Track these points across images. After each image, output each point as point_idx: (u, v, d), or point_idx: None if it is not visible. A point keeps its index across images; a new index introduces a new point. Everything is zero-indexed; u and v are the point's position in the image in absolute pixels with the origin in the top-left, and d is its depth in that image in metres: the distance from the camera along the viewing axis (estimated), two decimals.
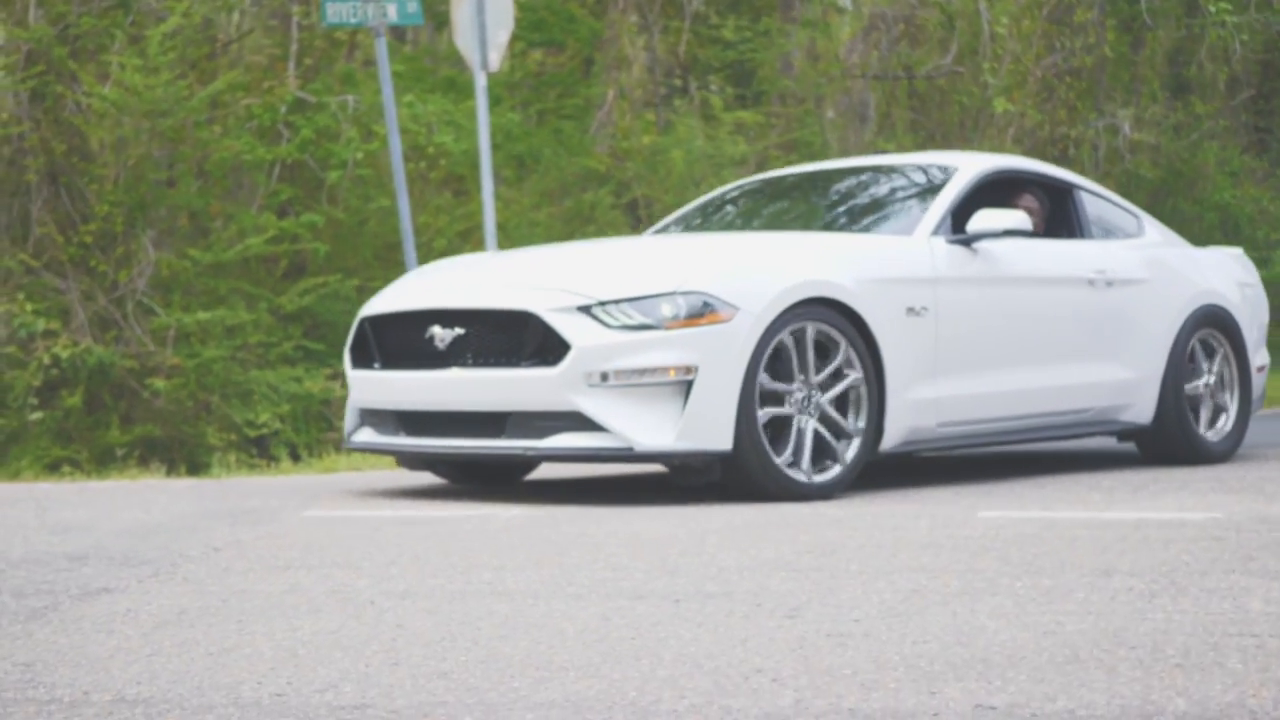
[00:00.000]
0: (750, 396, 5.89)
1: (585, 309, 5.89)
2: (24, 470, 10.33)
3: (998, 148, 21.01)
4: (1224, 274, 8.10)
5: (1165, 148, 21.59)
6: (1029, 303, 7.06)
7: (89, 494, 6.78)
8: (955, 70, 20.37)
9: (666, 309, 5.88)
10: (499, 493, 6.62)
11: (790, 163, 18.11)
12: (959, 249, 6.80)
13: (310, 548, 4.95)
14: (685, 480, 6.03)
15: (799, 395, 6.09)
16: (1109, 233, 7.81)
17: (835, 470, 6.16)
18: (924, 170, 7.43)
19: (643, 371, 5.81)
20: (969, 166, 7.30)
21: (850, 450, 6.21)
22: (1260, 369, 8.08)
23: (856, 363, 6.20)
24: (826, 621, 3.69)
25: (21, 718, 3.00)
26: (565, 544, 4.97)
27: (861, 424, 6.24)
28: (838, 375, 6.20)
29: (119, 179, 12.26)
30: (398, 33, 18.36)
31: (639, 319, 5.87)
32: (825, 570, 4.37)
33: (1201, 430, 7.71)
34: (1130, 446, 8.16)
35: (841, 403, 6.22)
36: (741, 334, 5.89)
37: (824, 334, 6.14)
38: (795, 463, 6.07)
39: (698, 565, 4.49)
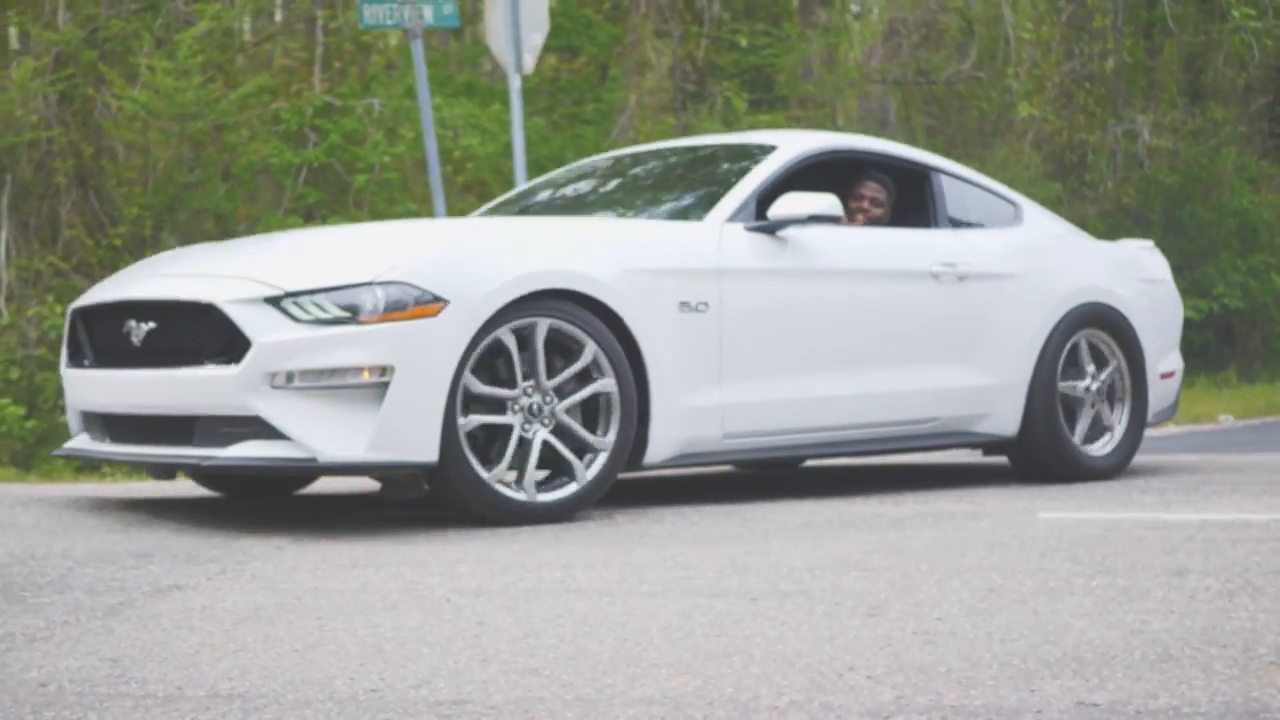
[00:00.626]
0: (459, 402, 5.23)
1: (273, 301, 5.16)
2: (55, 473, 10.32)
3: (1017, 153, 21.02)
4: (1118, 269, 7.22)
5: (1183, 153, 21.59)
6: (850, 299, 6.25)
7: (139, 494, 6.77)
8: (975, 76, 20.39)
9: (365, 301, 5.13)
10: None
11: None
12: (762, 238, 6.05)
13: (374, 546, 4.95)
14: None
15: (526, 402, 5.38)
16: (977, 221, 6.95)
17: (569, 488, 5.44)
18: (745, 151, 6.64)
19: (332, 372, 5.09)
20: (790, 146, 6.53)
21: (595, 465, 5.47)
22: (1166, 375, 7.33)
23: (607, 365, 5.47)
24: (909, 620, 3.68)
25: (119, 713, 2.99)
26: (629, 543, 4.96)
27: (611, 435, 5.50)
28: (584, 379, 5.49)
29: (148, 182, 12.28)
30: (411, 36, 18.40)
31: (334, 312, 5.13)
32: (897, 569, 4.36)
33: (1080, 442, 6.86)
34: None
35: (591, 411, 5.53)
36: (449, 331, 5.17)
37: (562, 331, 5.42)
38: (518, 479, 5.37)
39: (767, 564, 4.48)
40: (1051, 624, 3.60)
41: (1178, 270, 21.70)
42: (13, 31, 14.41)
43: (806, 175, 6.59)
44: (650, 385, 5.60)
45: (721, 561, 4.54)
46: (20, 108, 12.14)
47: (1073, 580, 4.15)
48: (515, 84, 10.51)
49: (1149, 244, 7.76)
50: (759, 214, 6.18)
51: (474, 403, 5.31)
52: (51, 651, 3.48)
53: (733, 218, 6.06)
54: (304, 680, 3.22)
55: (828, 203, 6.00)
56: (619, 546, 4.89)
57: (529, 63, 10.47)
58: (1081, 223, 20.30)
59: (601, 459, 5.49)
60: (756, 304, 5.95)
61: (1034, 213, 7.28)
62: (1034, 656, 3.29)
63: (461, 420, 5.24)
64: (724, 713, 2.93)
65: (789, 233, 6.11)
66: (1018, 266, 6.82)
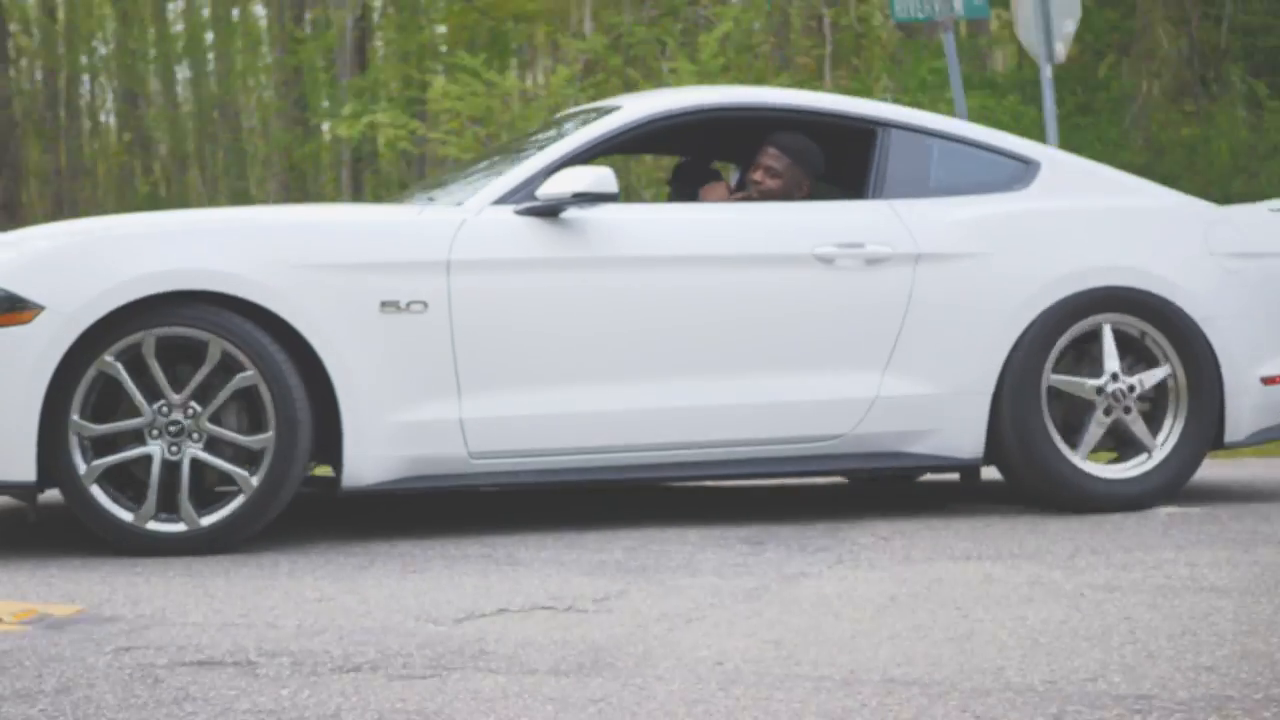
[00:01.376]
0: (63, 419, 4.74)
1: None
2: None
3: None
4: (1184, 243, 5.66)
5: None
6: (671, 292, 5.23)
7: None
8: None
9: None
10: None
11: None
12: (539, 223, 5.16)
13: (978, 539, 4.93)
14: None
15: (164, 422, 4.80)
16: (951, 187, 5.58)
17: (235, 502, 4.84)
18: (586, 117, 5.69)
19: None
20: (630, 109, 5.50)
21: (253, 484, 4.83)
22: (1276, 379, 5.66)
23: (257, 374, 4.82)
24: None
25: (801, 693, 3.08)
26: (1247, 540, 4.76)
27: (270, 432, 4.85)
28: (243, 393, 4.87)
29: None
30: (909, 30, 18.37)
31: None
32: None
33: (1080, 462, 5.45)
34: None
35: (257, 426, 4.88)
36: (44, 340, 4.70)
37: (192, 339, 4.81)
38: (165, 506, 4.81)
39: None
40: None
41: None
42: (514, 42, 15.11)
43: (675, 140, 5.97)
44: (339, 398, 4.90)
45: None
46: (555, 113, 12.75)
47: None
48: (1046, 73, 10.35)
49: (1261, 207, 5.99)
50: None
51: (103, 444, 4.83)
52: (711, 632, 3.62)
53: (504, 199, 5.22)
54: (973, 669, 3.23)
55: (595, 177, 5.09)
56: (1238, 545, 4.72)
57: (1060, 52, 10.30)
58: None
59: (260, 474, 4.84)
60: (512, 301, 5.10)
61: (1057, 172, 5.74)
62: None
63: (94, 464, 4.77)
64: None
65: (573, 215, 5.21)
66: (981, 244, 5.48)
